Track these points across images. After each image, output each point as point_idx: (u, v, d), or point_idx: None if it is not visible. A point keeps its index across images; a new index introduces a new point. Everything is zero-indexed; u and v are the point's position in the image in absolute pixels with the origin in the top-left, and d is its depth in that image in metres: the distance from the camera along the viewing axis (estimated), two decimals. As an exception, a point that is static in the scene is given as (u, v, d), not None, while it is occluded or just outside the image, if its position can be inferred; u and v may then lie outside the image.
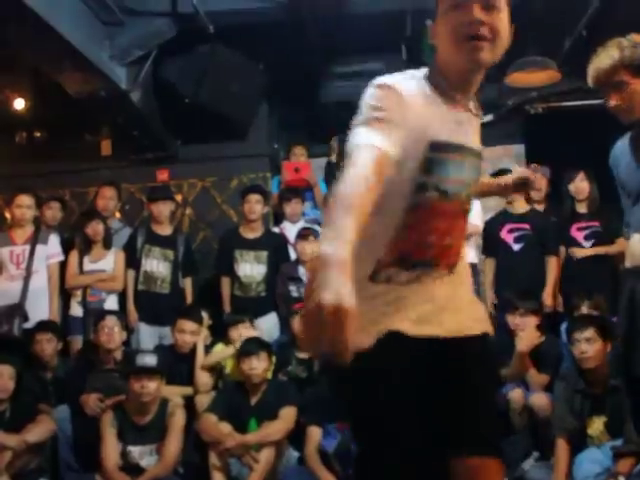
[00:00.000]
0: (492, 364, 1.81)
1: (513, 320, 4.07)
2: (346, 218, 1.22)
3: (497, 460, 1.62)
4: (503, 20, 1.46)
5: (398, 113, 1.40)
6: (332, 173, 5.55)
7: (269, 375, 3.99)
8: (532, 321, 4.02)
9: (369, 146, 1.34)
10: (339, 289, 1.14)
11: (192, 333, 4.23)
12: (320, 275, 1.16)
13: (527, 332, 3.97)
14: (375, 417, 1.55)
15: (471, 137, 1.58)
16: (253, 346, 3.88)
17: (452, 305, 1.64)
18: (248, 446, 3.64)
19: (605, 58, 2.31)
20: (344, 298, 1.14)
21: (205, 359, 4.20)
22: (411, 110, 1.43)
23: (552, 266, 4.65)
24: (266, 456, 3.63)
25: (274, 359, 4.09)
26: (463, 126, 1.54)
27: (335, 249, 1.18)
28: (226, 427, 3.70)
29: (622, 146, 2.57)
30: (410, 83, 1.49)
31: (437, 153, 1.47)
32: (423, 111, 1.45)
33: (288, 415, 3.75)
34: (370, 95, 1.44)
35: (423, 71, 1.55)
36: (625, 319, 2.43)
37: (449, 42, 1.46)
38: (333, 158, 5.73)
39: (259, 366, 3.79)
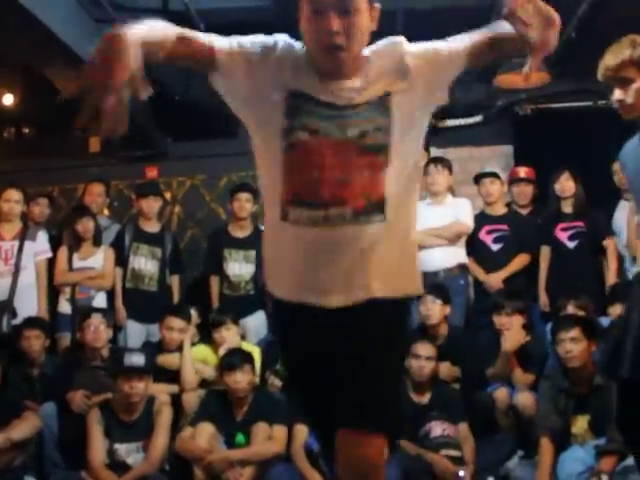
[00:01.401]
0: (391, 330, 1.68)
1: (499, 320, 4.10)
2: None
3: (375, 435, 1.61)
4: (360, 22, 1.57)
5: (269, 50, 1.61)
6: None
7: (256, 380, 3.98)
8: (518, 320, 4.05)
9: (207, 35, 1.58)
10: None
11: (180, 331, 4.22)
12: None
13: (513, 332, 4.00)
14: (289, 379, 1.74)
15: (361, 95, 1.63)
16: (236, 359, 3.79)
17: (358, 264, 1.63)
18: (232, 462, 3.57)
19: (616, 53, 2.34)
20: (127, 33, 1.33)
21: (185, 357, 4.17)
22: (282, 59, 1.61)
23: (518, 259, 4.67)
24: (250, 473, 3.57)
25: (260, 358, 4.10)
26: (346, 90, 1.62)
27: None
28: (203, 438, 3.62)
29: (630, 147, 2.58)
30: (295, 46, 1.64)
31: (298, 101, 1.58)
32: (291, 66, 1.61)
33: (280, 436, 3.68)
34: None
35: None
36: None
37: (311, 46, 1.59)
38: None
39: (243, 379, 3.72)
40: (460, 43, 1.69)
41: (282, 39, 1.65)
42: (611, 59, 2.35)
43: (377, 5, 1.64)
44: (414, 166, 1.70)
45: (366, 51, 1.66)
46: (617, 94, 2.37)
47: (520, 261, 4.69)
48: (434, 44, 1.70)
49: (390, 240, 1.64)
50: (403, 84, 1.64)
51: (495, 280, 4.58)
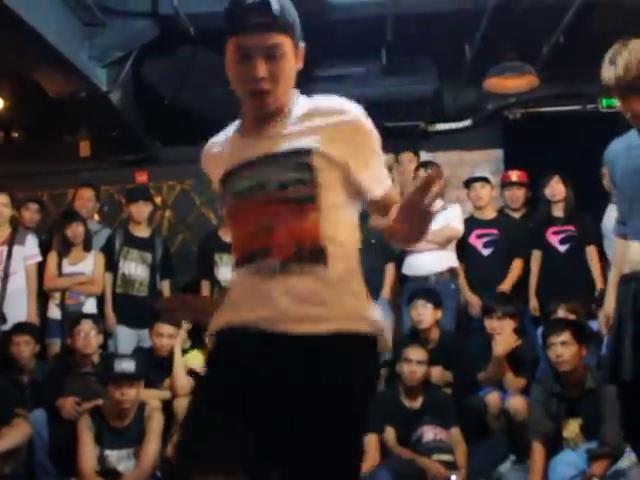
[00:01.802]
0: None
1: (490, 324, 4.10)
2: None
3: None
4: (286, 66, 1.59)
5: (207, 170, 1.79)
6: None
7: None
8: (509, 325, 4.06)
9: None
10: None
11: (170, 336, 4.20)
12: None
13: (504, 336, 4.01)
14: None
15: (285, 144, 1.60)
16: None
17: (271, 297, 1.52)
18: None
19: (632, 61, 2.31)
20: None
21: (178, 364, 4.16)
22: (210, 163, 1.77)
23: (516, 266, 4.68)
24: None
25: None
26: (272, 139, 1.61)
27: None
28: None
29: (619, 147, 2.57)
30: (219, 136, 1.77)
31: (227, 177, 1.67)
32: (216, 158, 1.73)
33: None
34: None
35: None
36: (632, 323, 2.43)
37: (238, 90, 1.63)
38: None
39: None
40: (380, 187, 1.63)
41: (207, 147, 1.79)
42: (633, 67, 2.31)
43: (302, 45, 1.65)
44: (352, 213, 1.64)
45: (307, 100, 1.66)
46: (636, 104, 2.34)
47: (517, 268, 4.69)
48: (373, 157, 1.62)
49: (333, 288, 1.54)
50: (328, 149, 1.57)
51: (505, 286, 4.58)
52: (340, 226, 1.59)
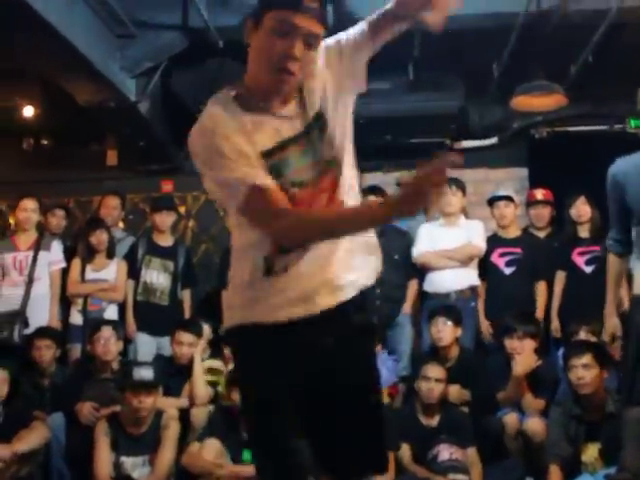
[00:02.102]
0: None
1: (510, 343, 4.06)
2: None
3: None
4: (313, 58, 1.62)
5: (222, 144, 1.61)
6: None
7: None
8: (529, 345, 4.02)
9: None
10: None
11: (190, 345, 4.22)
12: None
13: (524, 356, 3.97)
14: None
15: (300, 123, 1.66)
16: None
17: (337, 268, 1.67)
18: (241, 478, 3.55)
19: None
20: None
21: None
22: (231, 140, 1.59)
23: (541, 291, 4.64)
24: None
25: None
26: (289, 120, 1.65)
27: None
28: (210, 453, 3.60)
29: (627, 167, 2.55)
30: (222, 116, 1.62)
31: (272, 158, 1.60)
32: (239, 134, 1.60)
33: None
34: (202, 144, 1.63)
35: (230, 92, 1.66)
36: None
37: (262, 61, 1.59)
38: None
39: None
40: (358, 27, 1.73)
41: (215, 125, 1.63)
42: None
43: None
44: (352, 169, 1.75)
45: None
46: None
47: (543, 292, 4.64)
48: (339, 37, 1.72)
49: (353, 241, 1.69)
50: (330, 91, 1.68)
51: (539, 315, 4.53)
52: (351, 190, 1.73)
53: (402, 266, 4.67)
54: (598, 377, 3.50)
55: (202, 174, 1.65)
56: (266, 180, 1.57)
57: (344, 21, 1.72)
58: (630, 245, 2.90)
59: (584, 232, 4.67)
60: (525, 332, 4.04)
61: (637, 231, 2.64)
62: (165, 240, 5.02)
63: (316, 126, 1.65)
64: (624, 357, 2.60)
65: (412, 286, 4.75)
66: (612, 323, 2.68)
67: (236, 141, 1.58)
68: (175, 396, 4.13)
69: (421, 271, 4.72)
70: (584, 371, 3.48)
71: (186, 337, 4.23)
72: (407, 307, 4.71)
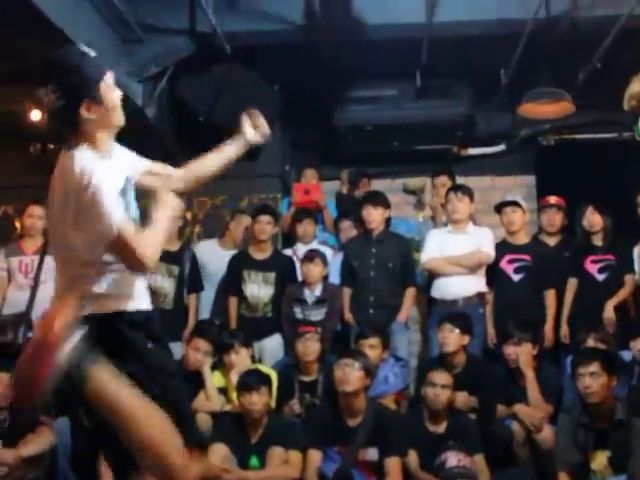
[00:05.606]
0: None
1: (507, 349, 4.05)
2: None
3: None
4: None
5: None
6: (342, 203, 5.59)
7: (272, 404, 3.95)
8: (527, 349, 4.00)
9: None
10: None
11: (205, 353, 4.18)
12: None
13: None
14: None
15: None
16: (253, 380, 3.77)
17: None
18: None
19: None
20: None
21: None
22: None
23: (551, 300, 4.60)
24: None
25: (277, 381, 4.07)
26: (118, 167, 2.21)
27: None
28: (217, 458, 3.58)
29: None
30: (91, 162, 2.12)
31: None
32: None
33: (295, 460, 3.66)
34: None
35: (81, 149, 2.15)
36: None
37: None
38: (344, 189, 5.77)
39: (259, 401, 3.69)
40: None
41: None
42: (637, 86, 2.33)
43: None
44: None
45: None
46: None
47: (553, 301, 4.60)
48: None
49: None
50: None
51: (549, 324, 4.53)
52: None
53: (398, 274, 4.65)
54: (606, 385, 3.47)
55: None
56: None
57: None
58: None
59: (597, 240, 4.65)
60: (521, 338, 4.02)
61: None
62: (171, 245, 4.99)
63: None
64: None
65: (409, 293, 4.71)
66: None
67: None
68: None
69: (429, 278, 4.71)
70: (591, 380, 3.44)
71: (203, 345, 4.19)
72: (402, 315, 4.64)
